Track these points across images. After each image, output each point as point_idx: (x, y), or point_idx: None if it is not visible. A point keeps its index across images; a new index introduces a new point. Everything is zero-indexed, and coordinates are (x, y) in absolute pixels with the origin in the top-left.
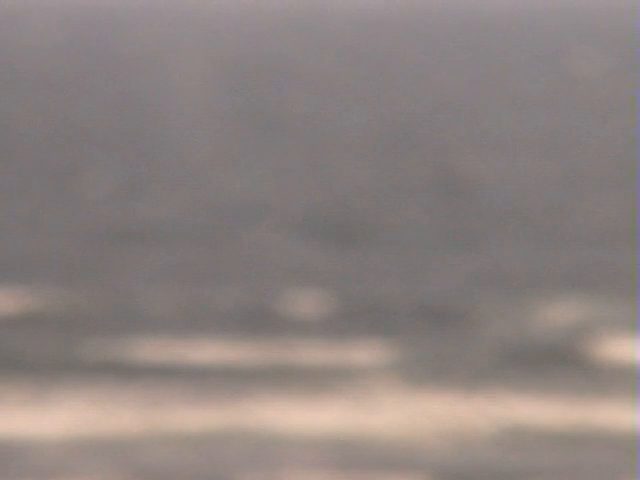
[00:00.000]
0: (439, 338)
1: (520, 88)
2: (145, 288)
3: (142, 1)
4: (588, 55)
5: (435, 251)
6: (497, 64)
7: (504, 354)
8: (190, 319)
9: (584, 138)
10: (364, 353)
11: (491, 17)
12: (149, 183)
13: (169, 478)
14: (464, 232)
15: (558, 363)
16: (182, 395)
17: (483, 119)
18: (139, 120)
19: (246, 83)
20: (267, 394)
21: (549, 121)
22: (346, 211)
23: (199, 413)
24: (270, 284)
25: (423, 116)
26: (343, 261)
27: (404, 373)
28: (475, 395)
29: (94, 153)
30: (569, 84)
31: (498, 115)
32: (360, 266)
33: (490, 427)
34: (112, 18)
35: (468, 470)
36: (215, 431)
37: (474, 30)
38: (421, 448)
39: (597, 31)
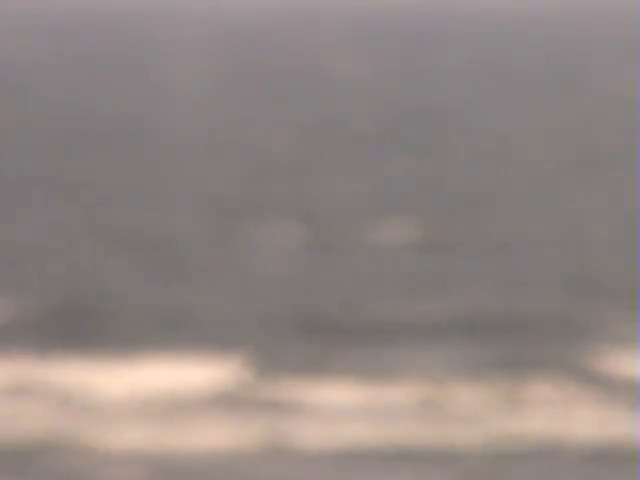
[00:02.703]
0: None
1: (531, 94)
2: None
3: (143, 3)
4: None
5: (465, 257)
6: (507, 70)
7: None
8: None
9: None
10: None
11: (501, 21)
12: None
13: None
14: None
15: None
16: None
17: (492, 124)
18: (140, 122)
19: (248, 85)
20: None
21: (561, 125)
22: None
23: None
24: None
25: (426, 122)
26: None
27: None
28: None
29: (91, 157)
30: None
31: (508, 120)
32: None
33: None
34: (112, 20)
35: None
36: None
37: (486, 36)
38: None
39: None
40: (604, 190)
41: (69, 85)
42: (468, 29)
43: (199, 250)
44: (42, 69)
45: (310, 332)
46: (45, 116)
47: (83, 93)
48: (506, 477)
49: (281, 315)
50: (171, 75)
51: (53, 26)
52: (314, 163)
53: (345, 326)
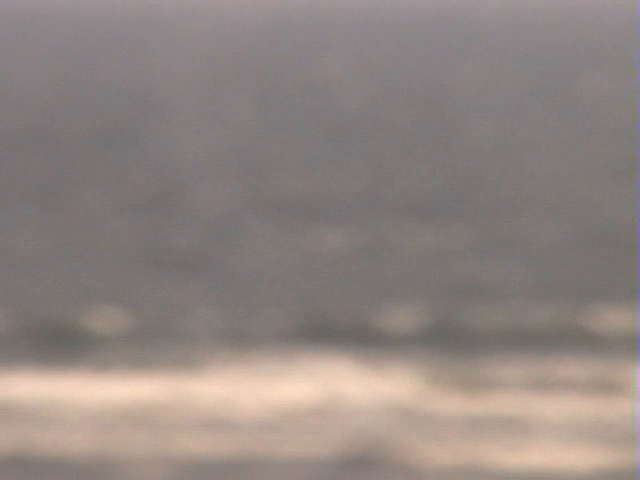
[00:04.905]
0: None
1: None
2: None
3: (144, 1)
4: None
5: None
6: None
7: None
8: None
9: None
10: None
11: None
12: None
13: None
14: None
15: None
16: None
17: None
18: (140, 119)
19: (246, 81)
20: None
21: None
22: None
23: None
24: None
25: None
26: None
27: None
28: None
29: (90, 157)
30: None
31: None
32: None
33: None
34: (113, 17)
35: None
36: None
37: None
38: None
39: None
40: (605, 191)
41: (67, 83)
42: (468, 27)
43: (204, 254)
44: (41, 67)
45: (359, 340)
46: (44, 114)
47: (81, 90)
48: None
49: (300, 321)
50: (170, 73)
51: (52, 23)
52: (315, 163)
53: (390, 334)
